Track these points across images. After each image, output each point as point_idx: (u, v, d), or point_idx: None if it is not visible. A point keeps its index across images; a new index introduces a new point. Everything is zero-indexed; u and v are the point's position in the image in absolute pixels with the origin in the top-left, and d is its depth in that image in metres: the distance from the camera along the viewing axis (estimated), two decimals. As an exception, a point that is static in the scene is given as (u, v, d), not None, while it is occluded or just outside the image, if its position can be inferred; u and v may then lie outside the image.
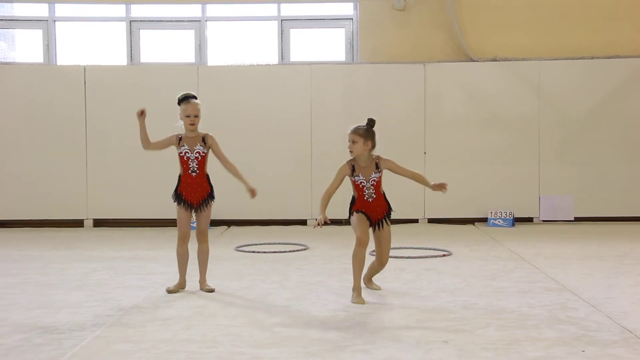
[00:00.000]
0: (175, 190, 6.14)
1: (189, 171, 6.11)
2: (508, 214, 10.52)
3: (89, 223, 10.90)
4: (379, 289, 6.15)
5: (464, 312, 5.39)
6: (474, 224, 10.71)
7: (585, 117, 10.73)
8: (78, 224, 10.87)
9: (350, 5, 11.41)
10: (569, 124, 10.76)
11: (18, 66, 11.38)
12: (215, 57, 11.59)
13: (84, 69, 10.74)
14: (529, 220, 10.84)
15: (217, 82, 10.77)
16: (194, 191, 6.13)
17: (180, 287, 6.15)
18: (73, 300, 5.87)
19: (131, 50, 11.48)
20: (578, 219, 10.76)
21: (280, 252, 8.32)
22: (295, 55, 11.53)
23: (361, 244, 5.83)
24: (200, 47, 11.52)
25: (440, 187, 5.85)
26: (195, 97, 6.21)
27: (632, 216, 10.73)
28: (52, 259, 7.97)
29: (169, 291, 6.05)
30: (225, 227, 10.69)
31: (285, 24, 11.52)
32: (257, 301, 5.81)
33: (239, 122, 10.66)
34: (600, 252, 8.06)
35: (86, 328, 5.01)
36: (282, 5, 11.47)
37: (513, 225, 10.49)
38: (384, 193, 5.99)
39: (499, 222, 10.50)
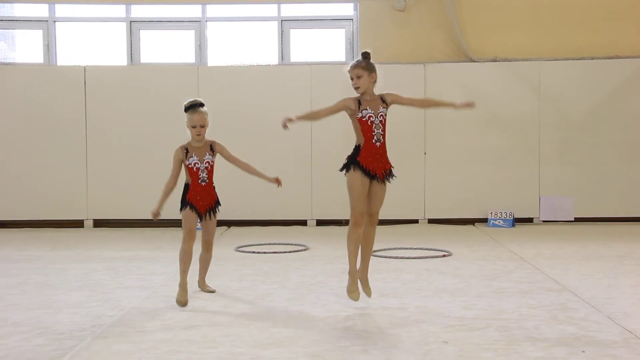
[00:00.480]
0: (183, 198, 5.93)
1: (199, 181, 5.93)
2: (508, 215, 10.53)
3: (89, 223, 10.90)
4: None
5: (464, 313, 5.39)
6: (474, 225, 10.71)
7: (586, 117, 10.73)
8: (78, 224, 10.87)
9: (350, 5, 11.41)
10: (569, 125, 10.76)
11: (18, 67, 11.39)
12: (216, 58, 11.60)
13: (84, 69, 10.74)
14: (529, 220, 10.85)
15: (217, 83, 10.78)
16: (202, 199, 5.95)
17: (186, 292, 5.78)
18: (73, 301, 5.88)
19: (131, 50, 11.49)
20: (578, 220, 10.76)
21: (281, 252, 8.32)
22: (295, 56, 11.54)
23: (356, 224, 5.46)
24: (201, 47, 11.52)
25: (468, 105, 5.59)
26: (202, 105, 6.00)
27: (632, 217, 10.73)
28: (52, 259, 7.98)
29: (182, 303, 5.66)
30: (226, 227, 10.70)
31: (285, 25, 11.53)
32: (257, 301, 5.82)
33: (239, 122, 10.66)
34: (601, 253, 8.07)
35: (86, 328, 5.01)
36: (282, 5, 11.48)
37: (513, 225, 10.49)
38: None
39: (499, 222, 10.50)
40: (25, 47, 12.21)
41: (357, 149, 5.50)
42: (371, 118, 5.41)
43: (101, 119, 10.65)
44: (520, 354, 4.37)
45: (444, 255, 7.94)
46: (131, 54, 11.49)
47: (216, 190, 6.10)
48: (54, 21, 11.58)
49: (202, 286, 6.21)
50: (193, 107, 5.94)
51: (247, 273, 7.05)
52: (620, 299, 5.78)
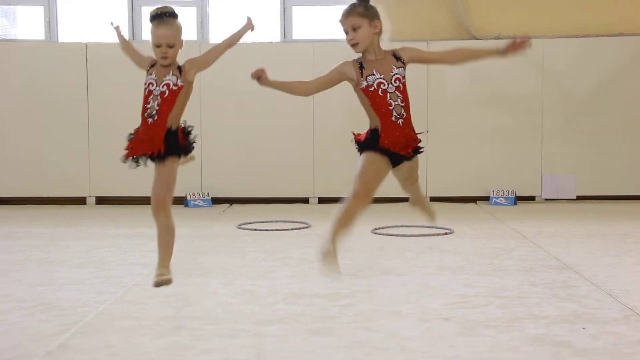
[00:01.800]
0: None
1: (145, 115, 4.50)
2: (510, 193, 10.54)
3: (91, 200, 10.92)
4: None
5: (465, 290, 5.41)
6: (476, 203, 10.72)
7: (589, 95, 10.71)
8: (80, 201, 10.90)
9: (353, -18, 11.35)
10: (572, 103, 10.74)
11: (19, 43, 11.37)
12: (218, 35, 11.56)
13: (86, 46, 10.71)
14: (531, 199, 10.86)
15: (218, 60, 10.72)
16: (141, 143, 4.65)
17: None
18: (76, 277, 5.91)
19: (133, 27, 11.45)
20: (580, 198, 10.77)
21: (283, 230, 8.34)
22: (297, 34, 11.50)
23: (358, 197, 4.30)
24: (202, 24, 11.50)
25: (520, 45, 4.22)
26: (172, 15, 4.55)
27: (635, 195, 10.73)
28: (55, 236, 8.01)
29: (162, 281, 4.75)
30: (228, 205, 10.71)
31: (287, 2, 11.48)
32: (259, 279, 5.84)
33: (240, 99, 10.64)
34: (603, 231, 8.08)
35: (89, 304, 5.04)
36: (284, -18, 11.46)
37: (515, 203, 10.51)
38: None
39: (501, 200, 10.52)
40: (27, 24, 12.17)
41: (374, 133, 4.16)
42: (382, 85, 3.98)
43: (103, 96, 10.63)
44: (521, 331, 4.39)
45: (446, 233, 7.96)
46: (133, 30, 11.46)
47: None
48: (55, -2, 11.57)
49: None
50: (159, 17, 4.49)
51: (249, 250, 7.06)
52: (621, 276, 5.80)
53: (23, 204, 10.82)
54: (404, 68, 3.97)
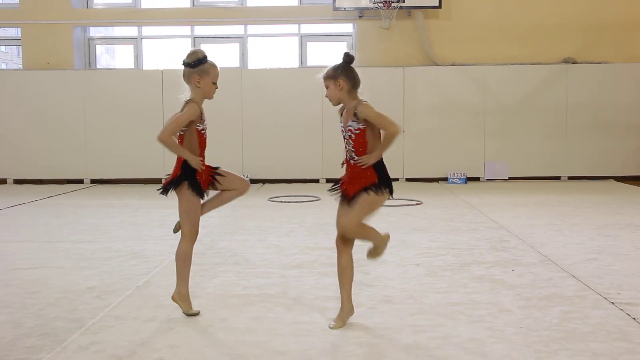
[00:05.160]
0: (186, 175, 3.49)
1: (205, 151, 3.57)
2: (462, 175, 10.49)
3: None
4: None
5: (430, 244, 5.42)
6: (438, 182, 10.69)
7: (517, 105, 10.63)
8: (157, 181, 10.88)
9: (350, 25, 11.29)
10: (505, 111, 10.66)
11: (117, 71, 11.35)
12: (254, 62, 11.53)
13: (162, 73, 10.68)
14: (477, 179, 10.81)
15: (255, 81, 10.72)
16: (204, 173, 3.54)
17: (189, 301, 3.52)
18: (155, 235, 5.95)
19: (194, 58, 11.40)
20: (511, 178, 10.73)
21: (300, 202, 8.35)
22: (311, 61, 11.45)
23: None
24: (243, 55, 11.45)
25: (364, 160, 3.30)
26: None
27: (547, 176, 10.70)
28: (140, 205, 8.04)
29: (192, 314, 3.50)
30: (261, 184, 10.72)
31: (303, 39, 11.42)
32: (283, 236, 5.87)
33: (271, 107, 10.60)
34: (526, 201, 8.07)
35: (165, 254, 5.07)
36: (301, 25, 11.38)
37: (466, 182, 10.46)
38: (380, 164, 3.36)
39: (456, 180, 10.47)
40: (122, 57, 12.18)
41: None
42: (342, 131, 3.43)
43: (175, 109, 10.55)
44: (469, 272, 4.41)
45: (417, 204, 7.95)
46: (194, 60, 11.40)
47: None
48: (141, 38, 11.52)
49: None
50: (207, 59, 3.66)
51: (276, 216, 7.09)
52: (538, 233, 5.80)
53: (117, 183, 10.83)
54: (359, 124, 3.27)
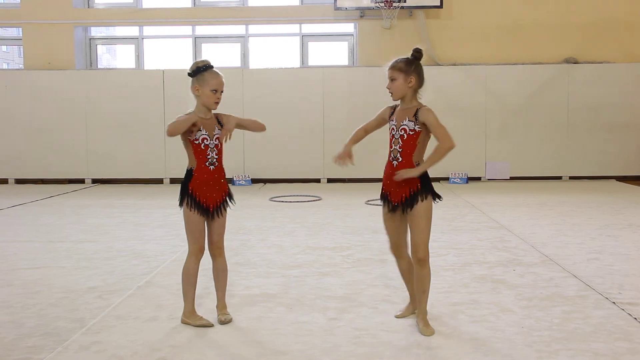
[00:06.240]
0: (185, 189, 3.47)
1: (207, 164, 3.39)
2: (463, 175, 10.50)
3: (167, 181, 10.94)
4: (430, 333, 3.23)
5: (432, 244, 5.38)
6: (439, 182, 10.70)
7: (518, 106, 10.63)
8: (159, 181, 10.92)
9: (352, 25, 11.29)
10: (506, 111, 10.66)
11: (118, 71, 11.36)
12: (255, 62, 11.53)
13: (163, 72, 10.69)
14: (478, 179, 10.81)
15: (256, 80, 10.72)
16: (210, 190, 3.42)
17: (197, 315, 3.43)
18: (157, 235, 5.95)
19: (195, 58, 11.41)
20: (513, 178, 10.72)
21: (301, 201, 8.36)
22: (312, 61, 11.45)
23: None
24: (244, 55, 11.45)
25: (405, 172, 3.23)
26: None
27: (549, 176, 10.69)
28: (142, 206, 8.05)
29: (202, 325, 3.37)
30: (262, 183, 10.72)
31: (305, 39, 11.42)
32: (285, 236, 5.87)
33: (272, 106, 10.60)
34: (527, 201, 8.06)
35: (166, 254, 5.08)
36: (303, 25, 11.38)
37: (467, 182, 10.46)
38: (419, 163, 3.35)
39: (457, 180, 10.47)
40: (123, 57, 12.19)
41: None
42: (393, 129, 3.28)
43: (177, 109, 10.58)
44: (470, 272, 4.41)
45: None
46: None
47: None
48: (142, 38, 11.52)
49: (221, 312, 3.48)
50: (211, 67, 3.58)
51: (278, 216, 7.08)
52: (540, 233, 5.80)
53: (118, 183, 10.84)
54: (416, 125, 3.22)
